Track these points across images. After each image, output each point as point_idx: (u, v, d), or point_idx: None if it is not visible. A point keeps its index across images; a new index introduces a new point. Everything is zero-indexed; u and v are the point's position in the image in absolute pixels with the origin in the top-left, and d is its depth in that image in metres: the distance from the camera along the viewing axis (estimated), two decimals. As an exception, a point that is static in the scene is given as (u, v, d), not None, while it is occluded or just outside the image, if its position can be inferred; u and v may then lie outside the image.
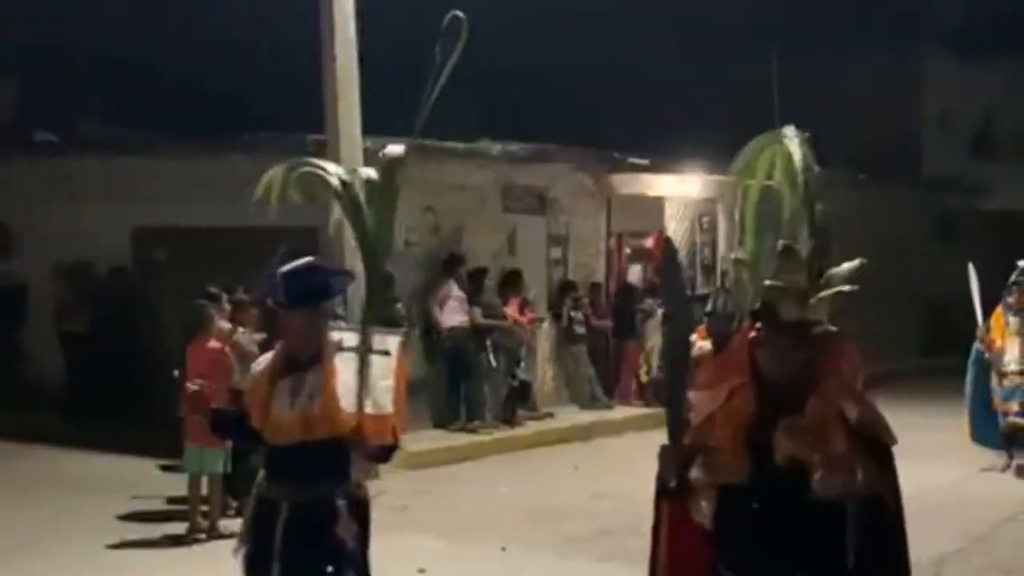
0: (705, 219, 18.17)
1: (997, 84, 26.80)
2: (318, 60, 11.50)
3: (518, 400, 14.23)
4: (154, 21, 15.00)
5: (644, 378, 15.86)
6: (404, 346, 5.16)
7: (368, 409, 4.93)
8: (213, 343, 9.49)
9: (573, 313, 15.22)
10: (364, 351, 4.98)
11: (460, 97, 19.45)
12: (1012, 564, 8.65)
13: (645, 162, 16.46)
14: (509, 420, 13.95)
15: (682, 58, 23.73)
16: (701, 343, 7.76)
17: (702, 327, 8.25)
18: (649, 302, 16.05)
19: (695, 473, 4.21)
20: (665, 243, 6.10)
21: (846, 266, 4.68)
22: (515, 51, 20.70)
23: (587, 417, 14.90)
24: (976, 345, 11.25)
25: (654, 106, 23.25)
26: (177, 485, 9.95)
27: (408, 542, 9.23)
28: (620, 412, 15.33)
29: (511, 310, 14.19)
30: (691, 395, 4.45)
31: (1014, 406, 10.89)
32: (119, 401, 13.04)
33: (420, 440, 12.84)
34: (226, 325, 9.98)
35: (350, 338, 5.04)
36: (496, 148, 14.48)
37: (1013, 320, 11.02)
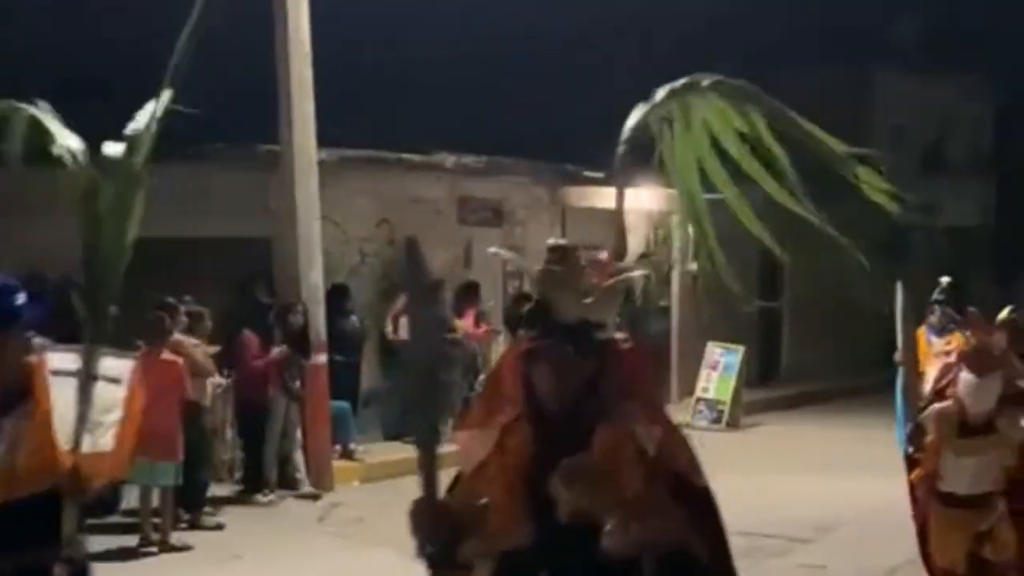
0: (660, 231, 18.25)
1: (949, 100, 27.14)
2: (272, 71, 11.48)
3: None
4: (103, 31, 14.89)
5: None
6: (137, 371, 4.44)
7: (85, 448, 4.06)
8: (167, 355, 9.43)
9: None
10: (87, 378, 4.10)
11: (416, 110, 19.52)
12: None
13: (600, 175, 16.51)
14: (464, 432, 13.91)
15: (638, 72, 23.82)
16: None
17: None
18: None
19: (467, 543, 3.37)
20: (408, 244, 5.02)
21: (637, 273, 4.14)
22: (472, 63, 20.72)
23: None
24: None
25: (610, 120, 23.31)
26: (129, 498, 9.86)
27: (364, 555, 9.20)
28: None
29: (467, 322, 14.18)
30: (459, 437, 3.65)
31: None
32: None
33: (375, 452, 12.81)
34: (182, 337, 9.93)
35: (69, 361, 4.16)
36: (451, 160, 14.49)
37: (936, 341, 10.66)
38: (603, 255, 16.12)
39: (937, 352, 9.55)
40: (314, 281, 11.54)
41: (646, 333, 16.43)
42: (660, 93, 4.13)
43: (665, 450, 3.35)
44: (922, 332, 10.74)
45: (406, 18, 18.04)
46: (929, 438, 6.25)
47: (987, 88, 28.20)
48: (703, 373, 16.69)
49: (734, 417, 16.24)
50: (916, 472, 6.46)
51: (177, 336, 9.73)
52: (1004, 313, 9.46)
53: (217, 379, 10.52)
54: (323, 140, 11.87)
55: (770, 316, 20.60)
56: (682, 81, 4.12)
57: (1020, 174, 27.96)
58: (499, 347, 15.01)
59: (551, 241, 4.11)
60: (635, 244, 17.80)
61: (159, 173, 11.92)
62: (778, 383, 19.97)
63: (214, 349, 10.61)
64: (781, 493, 11.02)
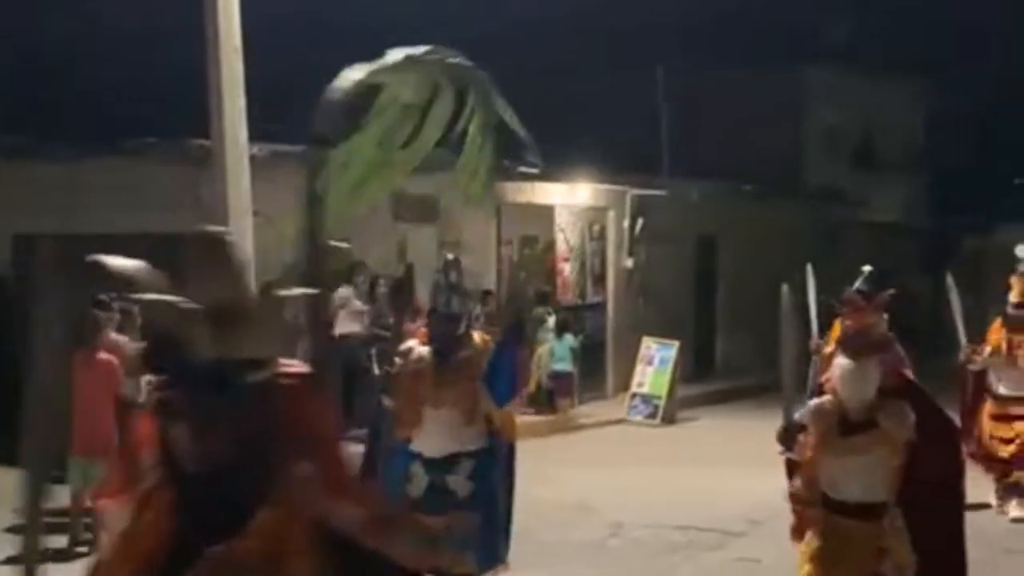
0: (595, 227, 18.33)
1: (878, 98, 27.50)
2: (204, 66, 11.35)
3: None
4: (35, 23, 14.69)
5: (534, 386, 15.97)
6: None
7: None
8: (103, 354, 9.31)
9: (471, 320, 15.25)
10: None
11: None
12: None
13: (535, 170, 16.52)
14: (398, 429, 13.89)
15: (572, 68, 23.91)
16: (420, 348, 6.87)
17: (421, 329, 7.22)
18: (540, 310, 16.16)
19: None
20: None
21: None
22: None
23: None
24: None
25: (544, 115, 23.36)
26: (60, 497, 9.70)
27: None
28: (512, 420, 15.37)
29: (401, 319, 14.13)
30: (101, 505, 2.98)
31: None
32: (1, 412, 12.69)
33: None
34: (116, 336, 9.80)
35: None
36: (386, 156, 14.42)
37: None
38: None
39: None
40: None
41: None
42: (395, 55, 4.06)
43: (352, 525, 2.55)
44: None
45: (341, 10, 17.96)
46: (807, 437, 5.59)
47: (917, 87, 28.62)
48: (638, 368, 16.79)
49: (669, 412, 16.35)
50: (797, 479, 5.75)
51: (111, 334, 9.59)
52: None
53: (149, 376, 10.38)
54: (256, 135, 11.77)
55: (705, 311, 20.78)
56: (423, 49, 4.13)
57: (949, 170, 28.40)
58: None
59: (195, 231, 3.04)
60: (571, 239, 17.89)
61: (91, 168, 11.84)
62: (713, 378, 20.14)
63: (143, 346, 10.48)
64: (716, 487, 11.10)
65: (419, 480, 6.68)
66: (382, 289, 14.05)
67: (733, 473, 11.42)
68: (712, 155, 22.24)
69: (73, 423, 8.97)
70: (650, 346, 16.95)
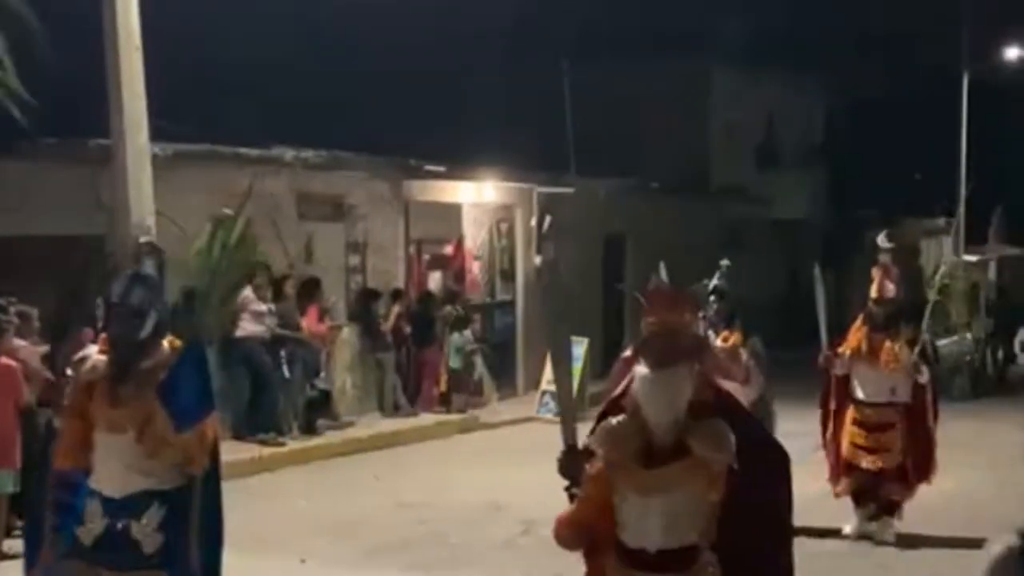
0: (503, 225, 18.32)
1: (780, 97, 27.88)
2: (102, 64, 11.13)
3: (318, 409, 14.05)
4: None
5: (444, 386, 15.92)
6: None
7: None
8: (3, 359, 9.05)
9: (382, 321, 15.15)
10: None
11: (253, 104, 19.16)
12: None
13: (441, 169, 16.49)
14: (309, 430, 13.75)
15: (478, 67, 23.90)
16: (96, 356, 5.38)
17: None
18: (448, 308, 16.11)
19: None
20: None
21: None
22: (310, 56, 20.48)
23: (389, 425, 14.82)
24: None
25: (451, 114, 23.36)
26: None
27: (204, 558, 8.98)
28: (423, 420, 15.31)
29: (309, 319, 14.00)
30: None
31: None
32: None
33: (224, 451, 12.52)
34: (17, 341, 9.55)
35: None
36: (289, 154, 14.27)
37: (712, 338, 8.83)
38: (448, 249, 15.98)
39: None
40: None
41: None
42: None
43: None
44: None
45: (241, 9, 17.73)
46: (593, 467, 4.38)
47: (816, 86, 29.05)
48: (548, 366, 16.78)
49: (579, 409, 16.34)
50: (575, 513, 4.48)
51: (11, 339, 9.33)
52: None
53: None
54: (157, 134, 11.57)
55: (613, 308, 20.86)
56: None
57: (849, 168, 28.89)
58: (342, 342, 14.90)
59: None
60: (480, 238, 17.85)
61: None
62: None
63: (43, 349, 10.23)
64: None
65: (95, 523, 5.21)
66: (289, 290, 13.89)
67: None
68: (619, 152, 22.34)
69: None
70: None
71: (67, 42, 11.41)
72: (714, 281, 9.26)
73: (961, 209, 27.00)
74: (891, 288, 9.20)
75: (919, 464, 9.28)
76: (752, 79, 26.58)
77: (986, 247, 33.47)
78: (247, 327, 13.20)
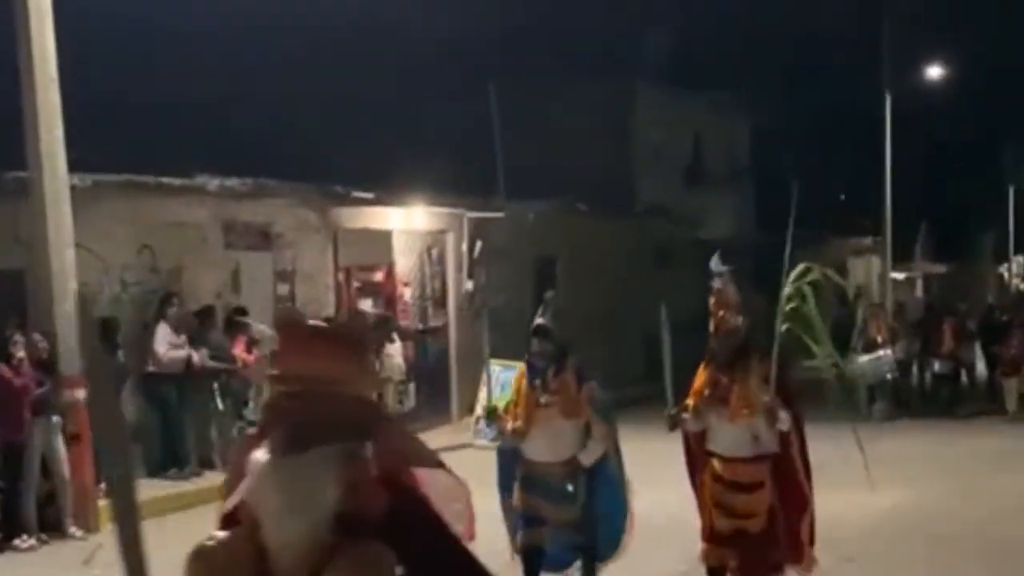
0: (434, 251, 18.20)
1: (704, 117, 28.05)
2: (18, 96, 10.89)
3: (247, 442, 13.78)
4: None
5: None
6: None
7: None
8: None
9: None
10: None
11: (175, 133, 18.89)
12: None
13: (370, 195, 16.34)
14: (239, 463, 13.48)
15: (403, 92, 23.80)
16: None
17: None
18: (377, 335, 15.93)
19: None
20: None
21: None
22: (232, 85, 20.26)
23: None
24: None
25: (376, 140, 23.23)
26: None
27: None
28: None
29: (237, 350, 13.76)
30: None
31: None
32: None
33: (144, 488, 12.24)
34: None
35: None
36: (214, 183, 14.05)
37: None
38: (378, 276, 15.75)
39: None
40: (69, 312, 10.97)
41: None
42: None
43: None
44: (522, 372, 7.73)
45: (161, 36, 17.51)
46: None
47: (741, 105, 29.27)
48: (482, 391, 16.64)
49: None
50: None
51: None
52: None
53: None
54: (76, 165, 11.33)
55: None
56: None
57: (775, 186, 29.08)
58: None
59: None
60: (410, 264, 17.71)
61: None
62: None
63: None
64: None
65: None
66: (217, 321, 13.66)
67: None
68: (548, 175, 22.32)
69: None
70: (495, 369, 16.81)
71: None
72: (537, 319, 7.78)
73: (888, 227, 27.35)
74: (732, 318, 7.29)
75: (790, 529, 7.30)
76: (677, 100, 26.72)
77: (913, 264, 33.98)
78: (161, 361, 12.90)
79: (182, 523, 11.58)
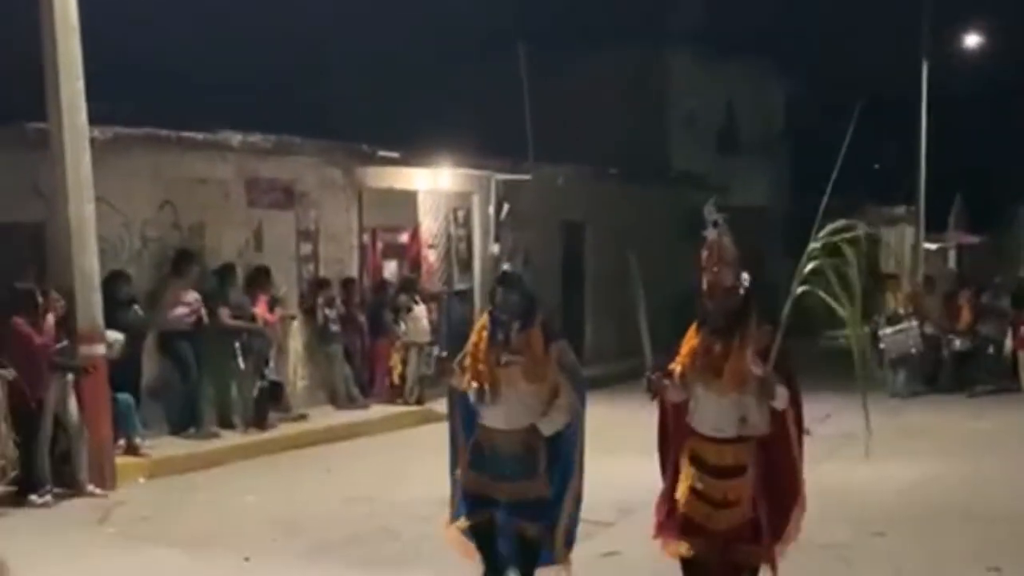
0: (460, 213, 17.99)
1: (738, 83, 27.66)
2: (38, 45, 10.70)
3: (269, 402, 13.67)
4: None
5: (396, 378, 15.55)
6: None
7: None
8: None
9: (328, 311, 14.75)
10: None
11: (202, 89, 18.74)
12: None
13: (395, 155, 16.13)
14: (260, 423, 13.38)
15: (435, 53, 23.54)
16: None
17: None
18: (403, 298, 15.76)
19: None
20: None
21: None
22: (259, 40, 20.06)
23: (342, 418, 14.46)
24: None
25: (406, 99, 23.01)
26: None
27: (147, 556, 8.65)
28: (376, 412, 14.98)
29: (259, 309, 13.62)
30: None
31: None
32: None
33: (162, 447, 12.19)
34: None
35: None
36: (237, 139, 13.85)
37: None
38: (404, 238, 15.56)
39: None
40: (88, 267, 10.82)
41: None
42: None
43: None
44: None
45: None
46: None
47: (774, 72, 28.87)
48: (505, 355, 16.45)
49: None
50: None
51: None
52: None
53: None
54: (97, 118, 11.15)
55: (572, 297, 20.60)
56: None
57: (809, 154, 28.71)
58: (294, 333, 14.51)
59: None
60: (436, 226, 17.50)
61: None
62: (582, 364, 19.92)
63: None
64: (588, 476, 10.82)
65: None
66: (239, 279, 13.52)
67: (604, 461, 11.12)
68: (578, 139, 22.05)
69: None
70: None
71: (3, 20, 10.97)
72: (503, 264, 7.35)
73: (921, 197, 26.95)
74: (729, 275, 6.26)
75: (776, 521, 6.28)
76: (711, 66, 26.35)
77: (946, 235, 33.51)
78: (180, 319, 12.76)
79: (211, 479, 11.54)
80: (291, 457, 12.74)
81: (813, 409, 14.07)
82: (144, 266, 12.80)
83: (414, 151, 16.54)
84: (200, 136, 13.36)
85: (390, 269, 16.85)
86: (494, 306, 6.73)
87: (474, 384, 6.66)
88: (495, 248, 18.35)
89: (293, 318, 14.42)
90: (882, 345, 16.98)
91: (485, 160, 17.96)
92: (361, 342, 15.46)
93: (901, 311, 17.80)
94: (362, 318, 15.40)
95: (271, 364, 13.70)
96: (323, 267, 15.24)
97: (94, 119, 10.99)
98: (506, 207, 18.30)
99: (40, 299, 10.35)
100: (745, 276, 6.30)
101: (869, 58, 27.86)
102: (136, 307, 12.16)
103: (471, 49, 23.08)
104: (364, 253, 16.19)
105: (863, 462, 10.07)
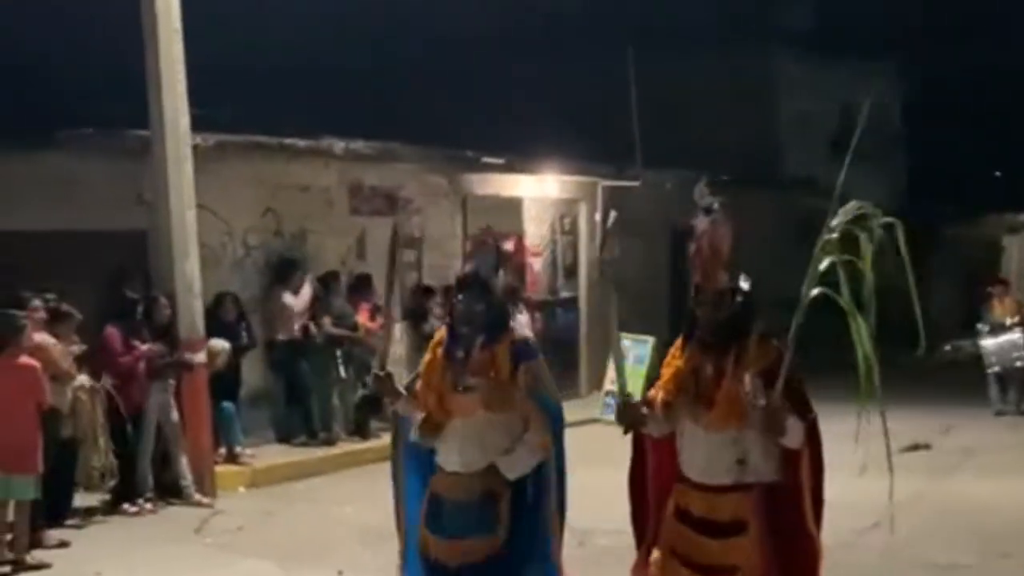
0: (566, 220, 17.73)
1: (852, 85, 26.97)
2: (141, 51, 10.69)
3: (371, 411, 13.53)
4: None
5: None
6: None
7: None
8: (23, 358, 8.61)
9: (436, 321, 14.59)
10: None
11: (300, 93, 18.71)
12: (879, 572, 8.25)
13: (500, 161, 15.93)
14: (362, 432, 13.25)
15: (539, 57, 23.34)
16: None
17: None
18: (507, 306, 15.52)
19: None
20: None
21: None
22: (360, 43, 20.03)
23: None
24: None
25: (510, 107, 22.82)
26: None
27: (240, 568, 8.54)
28: (479, 421, 14.76)
29: (361, 317, 13.50)
30: None
31: None
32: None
33: (264, 455, 12.12)
34: (41, 337, 9.13)
35: None
36: (340, 146, 13.76)
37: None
38: (509, 245, 15.24)
39: None
40: (189, 274, 10.79)
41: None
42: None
43: None
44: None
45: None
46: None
47: (890, 74, 28.14)
48: (611, 366, 16.15)
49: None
50: None
51: (34, 336, 8.90)
52: None
53: (83, 380, 9.68)
54: (199, 124, 11.11)
55: (681, 306, 20.18)
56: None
57: (929, 158, 27.92)
58: (397, 341, 14.35)
59: None
60: (541, 233, 17.26)
61: (22, 161, 11.06)
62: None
63: (79, 348, 9.83)
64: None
65: None
66: (341, 288, 13.41)
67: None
68: (686, 144, 21.64)
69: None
70: (625, 343, 16.32)
71: (104, 27, 10.99)
72: (466, 266, 5.87)
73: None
74: (722, 274, 5.09)
75: None
76: (824, 65, 25.77)
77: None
78: (288, 328, 12.70)
79: (311, 489, 11.43)
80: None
81: (933, 422, 13.57)
82: (246, 274, 12.75)
83: (519, 157, 16.31)
84: (303, 143, 13.29)
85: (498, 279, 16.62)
86: (453, 317, 5.48)
87: (419, 415, 5.42)
88: (602, 256, 18.05)
89: (394, 324, 14.27)
90: (991, 358, 15.85)
91: (592, 166, 17.67)
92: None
93: (1008, 321, 16.47)
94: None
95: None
96: (427, 275, 15.07)
97: (196, 126, 10.95)
98: (613, 214, 17.89)
99: (141, 306, 10.33)
100: (745, 277, 5.10)
101: (990, 58, 26.98)
102: (244, 325, 12.09)
103: (578, 53, 22.82)
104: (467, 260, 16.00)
105: (985, 478, 9.60)
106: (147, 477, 10.25)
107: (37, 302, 9.27)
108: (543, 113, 21.51)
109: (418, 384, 5.47)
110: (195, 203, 10.90)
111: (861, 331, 4.73)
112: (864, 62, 26.25)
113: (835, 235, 4.96)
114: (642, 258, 18.56)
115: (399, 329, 14.43)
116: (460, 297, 5.40)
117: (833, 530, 7.04)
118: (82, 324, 10.02)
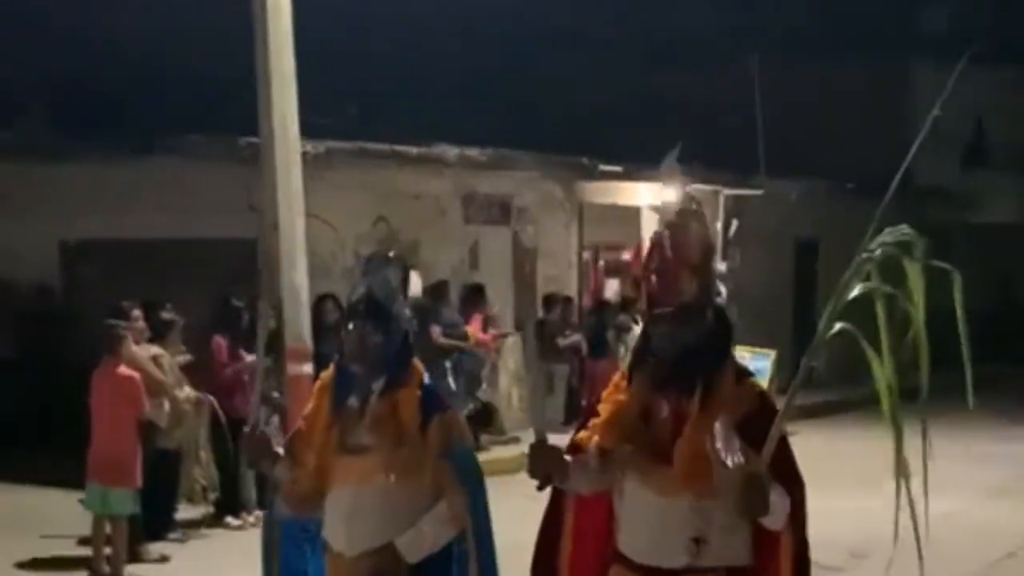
0: (686, 231, 17.24)
1: (988, 94, 26.00)
2: (252, 57, 10.53)
3: (481, 424, 13.23)
4: (77, 19, 13.98)
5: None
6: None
7: None
8: (122, 369, 8.46)
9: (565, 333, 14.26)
10: None
11: (413, 99, 18.55)
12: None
13: (618, 169, 15.53)
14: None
15: (664, 61, 22.93)
16: None
17: None
18: (623, 317, 15.11)
19: None
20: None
21: None
22: (475, 50, 19.82)
23: (558, 441, 13.87)
24: None
25: (633, 111, 22.44)
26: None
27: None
28: (594, 436, 14.36)
29: (473, 328, 13.21)
30: None
31: None
32: (46, 429, 12.02)
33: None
34: (139, 348, 8.98)
35: None
36: (453, 153, 13.50)
37: None
38: (627, 256, 14.72)
39: None
40: (297, 283, 10.56)
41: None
42: None
43: None
44: None
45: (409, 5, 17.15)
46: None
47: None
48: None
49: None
50: None
51: (133, 347, 8.74)
52: None
53: (187, 391, 9.52)
54: (310, 131, 10.92)
55: (804, 318, 19.59)
56: None
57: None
58: (508, 352, 14.05)
59: None
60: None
61: (134, 169, 10.96)
62: (814, 389, 18.89)
63: (185, 359, 9.68)
64: (815, 511, 9.93)
65: None
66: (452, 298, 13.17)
67: (836, 496, 10.25)
68: (810, 152, 21.03)
69: (90, 445, 8.19)
70: (743, 356, 15.73)
71: (216, 34, 10.87)
72: (359, 286, 4.43)
73: None
74: (690, 283, 3.73)
75: None
76: (958, 76, 24.86)
77: None
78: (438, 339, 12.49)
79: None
80: (500, 482, 12.15)
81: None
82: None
83: (637, 165, 15.89)
84: (415, 150, 13.06)
85: (612, 288, 16.28)
86: (341, 354, 4.31)
87: (296, 483, 4.22)
88: (722, 266, 17.53)
89: (506, 336, 13.96)
90: None
91: (713, 174, 17.17)
92: (579, 364, 14.89)
93: None
94: (576, 337, 14.83)
95: (484, 385, 13.27)
96: (541, 285, 14.76)
97: (306, 132, 10.76)
98: (735, 223, 17.46)
99: (247, 316, 10.14)
100: (722, 289, 4.08)
101: None
102: (351, 325, 11.87)
103: (701, 59, 22.36)
104: (584, 271, 15.66)
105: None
106: (251, 490, 10.05)
107: (137, 312, 9.11)
108: (667, 119, 21.09)
109: (295, 439, 4.30)
110: (304, 211, 10.69)
111: (881, 371, 3.64)
112: (999, 69, 25.35)
113: (876, 254, 3.62)
114: (765, 269, 18.03)
115: (512, 340, 14.16)
116: (350, 327, 4.20)
117: (960, 559, 6.53)
118: (191, 334, 9.88)
